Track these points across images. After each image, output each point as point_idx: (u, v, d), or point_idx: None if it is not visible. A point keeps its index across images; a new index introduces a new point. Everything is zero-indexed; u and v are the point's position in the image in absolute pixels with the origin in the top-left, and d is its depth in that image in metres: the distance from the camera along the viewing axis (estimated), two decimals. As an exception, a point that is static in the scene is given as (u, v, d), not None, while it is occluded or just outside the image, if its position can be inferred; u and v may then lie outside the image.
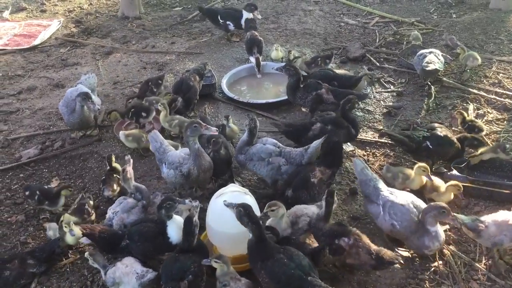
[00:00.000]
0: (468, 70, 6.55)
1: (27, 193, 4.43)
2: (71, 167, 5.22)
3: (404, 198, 3.82)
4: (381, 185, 3.95)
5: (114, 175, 4.65)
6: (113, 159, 4.80)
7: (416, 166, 4.34)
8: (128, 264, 3.47)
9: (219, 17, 8.02)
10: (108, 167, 4.76)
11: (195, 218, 3.36)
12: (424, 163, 4.39)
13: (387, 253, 3.45)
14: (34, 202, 4.42)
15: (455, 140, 4.66)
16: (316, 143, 4.38)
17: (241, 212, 3.24)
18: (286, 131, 4.99)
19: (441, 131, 4.70)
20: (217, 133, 4.20)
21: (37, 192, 4.38)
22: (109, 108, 6.21)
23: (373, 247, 3.50)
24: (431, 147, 4.59)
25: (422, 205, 3.81)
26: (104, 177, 4.67)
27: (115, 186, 4.55)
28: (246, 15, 7.68)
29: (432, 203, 3.73)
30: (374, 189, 3.91)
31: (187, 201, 3.66)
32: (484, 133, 5.18)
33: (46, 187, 4.56)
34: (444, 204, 3.64)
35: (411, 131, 4.93)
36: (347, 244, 3.49)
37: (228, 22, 7.93)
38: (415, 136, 4.68)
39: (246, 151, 4.51)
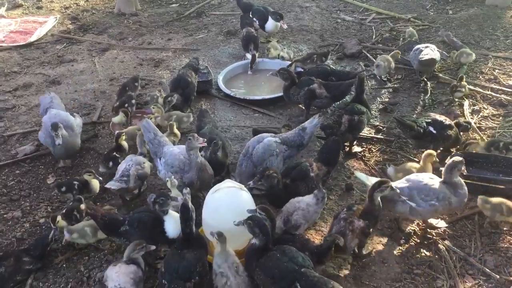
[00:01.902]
0: (465, 66, 6.56)
1: (63, 188, 4.45)
2: (68, 164, 5.21)
3: (420, 177, 3.90)
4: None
5: (115, 154, 4.78)
6: (123, 137, 4.91)
7: (424, 155, 4.39)
8: (120, 273, 3.33)
9: (251, 12, 8.00)
10: (114, 143, 4.90)
11: (190, 204, 3.28)
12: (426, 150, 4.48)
13: (338, 243, 3.41)
14: (75, 193, 4.39)
15: (453, 124, 4.83)
16: (314, 122, 4.52)
17: (251, 224, 3.24)
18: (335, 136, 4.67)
19: (439, 116, 4.88)
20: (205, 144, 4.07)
21: (74, 183, 4.44)
22: (105, 105, 6.23)
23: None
24: (434, 132, 4.72)
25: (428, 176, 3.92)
26: (105, 152, 4.88)
27: (110, 164, 4.69)
28: (271, 22, 7.65)
29: (453, 158, 3.81)
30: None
31: (179, 198, 3.65)
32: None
33: (77, 177, 4.64)
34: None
35: (415, 118, 5.00)
36: (340, 215, 3.69)
37: (255, 19, 7.87)
38: (419, 123, 4.79)
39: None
